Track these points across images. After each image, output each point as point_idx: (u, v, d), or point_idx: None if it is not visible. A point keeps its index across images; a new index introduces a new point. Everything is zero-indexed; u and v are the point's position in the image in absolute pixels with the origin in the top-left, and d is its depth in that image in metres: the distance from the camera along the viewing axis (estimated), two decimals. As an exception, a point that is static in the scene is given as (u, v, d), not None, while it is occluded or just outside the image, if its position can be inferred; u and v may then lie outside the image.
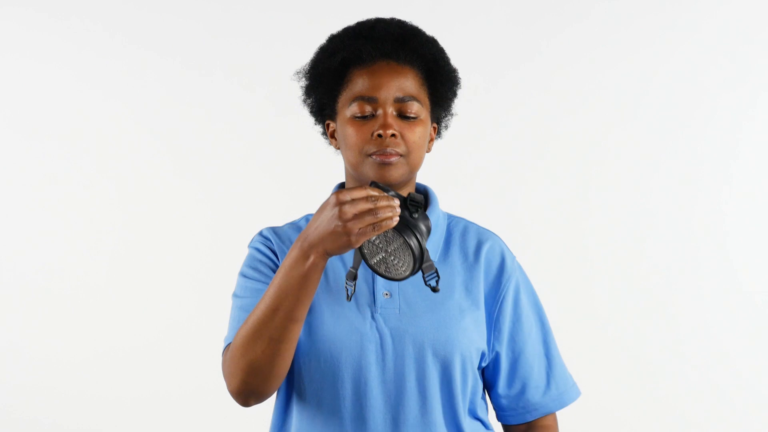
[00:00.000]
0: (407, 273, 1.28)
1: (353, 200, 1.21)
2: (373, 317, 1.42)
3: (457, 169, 3.04)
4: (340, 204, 1.22)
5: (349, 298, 1.37)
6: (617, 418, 3.07)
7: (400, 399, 1.40)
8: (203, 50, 3.19)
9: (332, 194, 1.24)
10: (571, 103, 3.15)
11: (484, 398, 1.53)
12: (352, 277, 1.35)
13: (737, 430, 3.06)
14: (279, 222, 1.62)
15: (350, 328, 1.41)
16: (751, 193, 3.12)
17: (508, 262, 1.51)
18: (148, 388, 3.11)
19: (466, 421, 1.45)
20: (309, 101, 1.54)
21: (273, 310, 1.30)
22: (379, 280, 1.43)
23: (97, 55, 3.18)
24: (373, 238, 1.26)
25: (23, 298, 3.14)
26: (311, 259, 1.26)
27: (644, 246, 3.11)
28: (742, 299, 3.09)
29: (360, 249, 1.27)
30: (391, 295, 1.43)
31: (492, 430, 1.52)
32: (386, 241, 1.27)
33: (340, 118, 1.47)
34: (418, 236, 1.26)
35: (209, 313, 3.10)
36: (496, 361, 1.50)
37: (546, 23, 3.17)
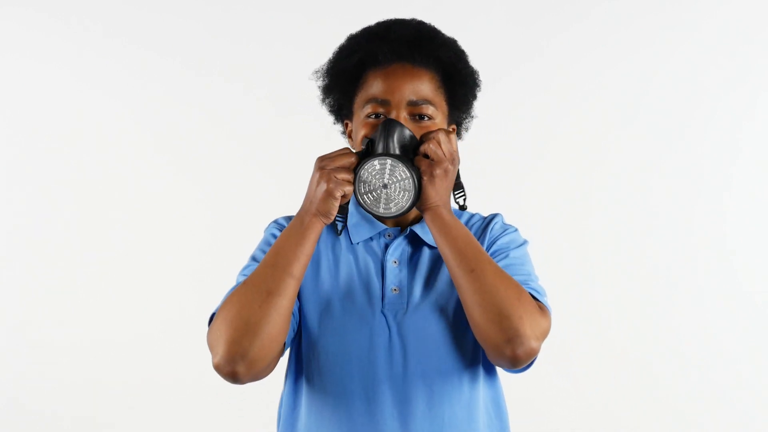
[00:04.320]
0: (410, 198, 1.37)
1: (328, 154, 1.38)
2: (382, 312, 1.43)
3: (457, 169, 3.05)
4: (318, 161, 1.38)
5: (338, 233, 1.49)
6: (617, 418, 3.07)
7: (408, 393, 1.40)
8: (203, 50, 3.19)
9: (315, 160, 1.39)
10: (572, 103, 3.15)
11: (498, 388, 1.51)
12: (343, 211, 1.47)
13: (737, 430, 3.06)
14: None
15: (360, 322, 1.42)
16: (751, 193, 3.12)
17: (495, 223, 1.53)
18: (148, 388, 3.11)
19: (481, 415, 1.44)
20: (327, 101, 1.55)
21: (271, 266, 1.36)
22: (389, 275, 1.45)
23: (97, 55, 3.18)
24: (366, 174, 1.37)
25: (22, 298, 3.14)
26: (306, 221, 1.37)
27: (644, 246, 3.11)
28: (742, 299, 3.09)
29: (355, 192, 1.38)
30: (400, 291, 1.45)
31: (506, 419, 1.51)
32: (379, 174, 1.36)
33: (355, 119, 1.49)
34: (406, 164, 1.36)
35: (209, 313, 3.11)
36: None
37: (546, 23, 3.18)
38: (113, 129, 3.18)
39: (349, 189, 1.36)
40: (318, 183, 1.36)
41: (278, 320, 1.33)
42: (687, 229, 3.12)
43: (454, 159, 1.40)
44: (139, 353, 3.11)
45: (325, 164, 1.37)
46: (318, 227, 1.37)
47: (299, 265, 1.36)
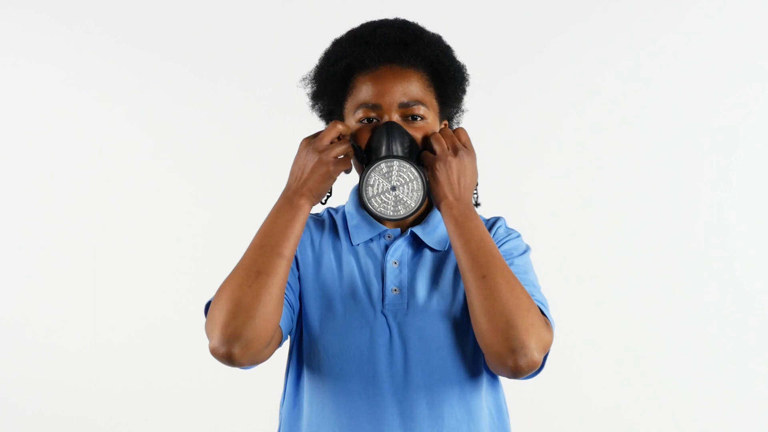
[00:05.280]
0: (419, 198, 1.37)
1: (321, 138, 1.39)
2: (382, 312, 1.43)
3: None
4: (312, 143, 1.39)
5: (323, 202, 1.49)
6: (617, 418, 3.07)
7: (409, 393, 1.41)
8: (203, 50, 3.19)
9: (301, 143, 1.42)
10: (572, 104, 3.15)
11: (500, 391, 1.52)
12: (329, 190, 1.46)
13: (737, 430, 3.06)
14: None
15: (361, 322, 1.43)
16: (751, 193, 3.12)
17: (498, 227, 1.53)
18: (148, 388, 3.11)
19: (482, 416, 1.45)
20: (317, 107, 1.55)
21: (260, 247, 1.36)
22: (389, 276, 1.45)
23: (97, 56, 3.18)
24: (373, 178, 1.37)
25: (22, 297, 3.14)
26: (295, 201, 1.39)
27: (644, 246, 3.11)
28: (744, 300, 3.09)
29: (361, 191, 1.38)
30: (400, 291, 1.45)
31: (507, 421, 1.51)
32: (386, 177, 1.37)
33: (347, 124, 1.48)
34: (415, 165, 1.37)
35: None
36: None
37: (546, 24, 3.17)
38: (113, 129, 3.18)
39: (347, 167, 1.41)
40: (315, 167, 1.38)
41: (270, 300, 1.33)
42: (687, 229, 3.12)
43: (458, 150, 1.41)
44: (139, 353, 3.11)
45: (317, 146, 1.39)
46: (308, 208, 1.39)
47: (289, 245, 1.36)
